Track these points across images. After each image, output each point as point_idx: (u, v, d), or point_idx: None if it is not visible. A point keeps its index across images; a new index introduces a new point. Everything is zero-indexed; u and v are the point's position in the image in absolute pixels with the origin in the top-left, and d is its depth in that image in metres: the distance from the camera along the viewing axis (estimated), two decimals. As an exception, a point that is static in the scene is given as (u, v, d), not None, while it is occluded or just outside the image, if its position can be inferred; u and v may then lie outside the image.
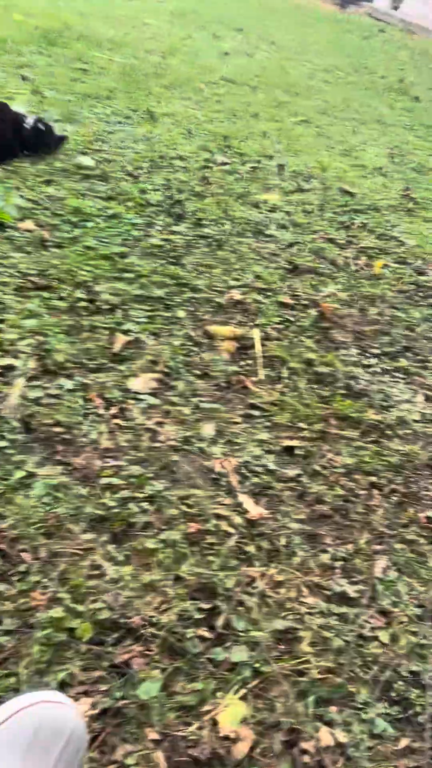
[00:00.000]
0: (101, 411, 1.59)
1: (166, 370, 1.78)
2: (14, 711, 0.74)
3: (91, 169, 2.77)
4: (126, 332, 1.88)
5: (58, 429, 1.51)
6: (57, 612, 1.12)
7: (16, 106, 2.80)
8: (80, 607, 1.14)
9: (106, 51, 4.63)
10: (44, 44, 4.42)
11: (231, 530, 1.35)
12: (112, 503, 1.35)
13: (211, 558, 1.28)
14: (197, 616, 1.17)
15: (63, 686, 1.03)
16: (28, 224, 2.25)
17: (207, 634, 1.15)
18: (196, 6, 7.38)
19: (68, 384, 1.63)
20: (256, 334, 1.99)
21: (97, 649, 1.09)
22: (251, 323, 2.06)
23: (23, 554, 1.22)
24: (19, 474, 1.37)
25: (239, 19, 7.26)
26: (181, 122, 3.60)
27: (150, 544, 1.28)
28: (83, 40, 4.71)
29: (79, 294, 1.97)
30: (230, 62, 5.25)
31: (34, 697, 0.76)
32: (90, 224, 2.34)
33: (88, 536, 1.28)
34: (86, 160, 2.82)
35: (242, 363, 1.88)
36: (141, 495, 1.39)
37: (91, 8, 5.94)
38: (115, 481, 1.41)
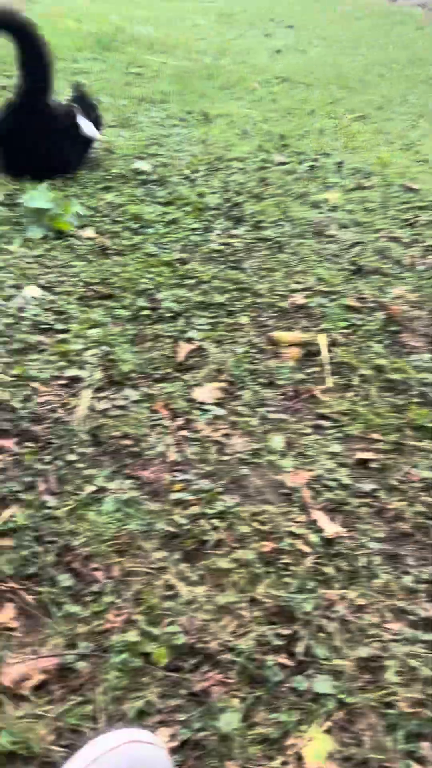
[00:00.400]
0: (167, 422, 1.56)
1: (230, 378, 1.73)
2: (105, 750, 0.71)
3: (148, 174, 2.75)
4: (189, 340, 1.84)
5: (125, 441, 1.48)
6: (132, 635, 1.09)
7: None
8: (156, 631, 1.10)
9: (159, 54, 4.63)
10: (98, 50, 4.45)
11: (307, 549, 1.29)
12: (183, 520, 1.31)
13: (287, 579, 1.22)
14: (276, 642, 1.12)
15: (141, 715, 1.00)
16: (89, 232, 2.24)
17: (287, 662, 1.09)
18: (245, 4, 7.33)
19: (134, 395, 1.61)
20: (322, 340, 1.93)
21: (175, 675, 1.05)
22: (316, 328, 1.99)
23: (96, 573, 1.19)
24: (89, 488, 1.35)
25: (288, 16, 7.16)
26: (236, 123, 3.55)
27: (223, 563, 1.24)
28: (135, 44, 4.72)
29: (141, 302, 1.94)
30: (283, 60, 5.18)
31: (125, 735, 0.73)
32: (150, 230, 2.32)
33: (161, 554, 1.24)
34: (143, 165, 2.80)
35: (309, 370, 1.82)
36: (211, 511, 1.35)
37: (142, 11, 5.96)
38: (184, 496, 1.37)
